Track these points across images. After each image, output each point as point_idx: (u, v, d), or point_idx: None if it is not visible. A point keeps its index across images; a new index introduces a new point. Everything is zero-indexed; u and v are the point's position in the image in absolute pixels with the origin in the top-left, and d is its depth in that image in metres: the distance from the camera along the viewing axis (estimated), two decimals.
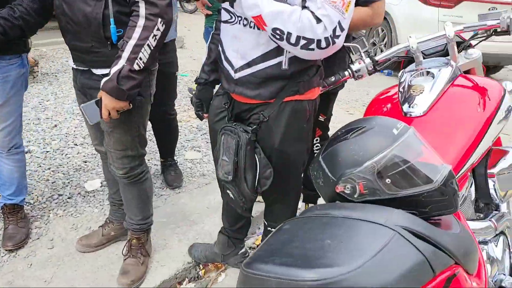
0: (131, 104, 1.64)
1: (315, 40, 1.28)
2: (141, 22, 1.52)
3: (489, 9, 5.43)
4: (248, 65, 1.46)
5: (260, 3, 1.27)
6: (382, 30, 6.28)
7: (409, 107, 1.56)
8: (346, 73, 1.81)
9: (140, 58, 1.53)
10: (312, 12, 1.27)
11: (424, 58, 1.80)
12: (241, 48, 1.46)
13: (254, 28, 1.41)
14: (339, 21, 1.28)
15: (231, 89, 1.55)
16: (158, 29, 1.54)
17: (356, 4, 1.69)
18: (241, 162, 1.51)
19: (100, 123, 1.75)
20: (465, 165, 1.40)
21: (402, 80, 1.72)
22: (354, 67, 1.81)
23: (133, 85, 1.56)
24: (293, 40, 1.28)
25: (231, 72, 1.52)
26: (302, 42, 1.28)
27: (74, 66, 1.75)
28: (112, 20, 1.55)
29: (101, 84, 1.55)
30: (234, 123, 1.58)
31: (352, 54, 1.87)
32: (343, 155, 1.09)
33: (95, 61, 1.66)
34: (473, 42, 1.90)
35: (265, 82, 1.46)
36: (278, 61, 1.43)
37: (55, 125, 3.47)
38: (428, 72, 1.68)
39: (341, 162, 1.09)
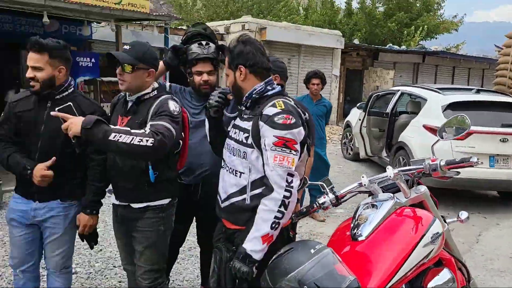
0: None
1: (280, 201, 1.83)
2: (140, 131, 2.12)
3: (500, 140, 5.78)
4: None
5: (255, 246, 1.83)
6: (403, 159, 6.75)
7: (355, 233, 2.03)
8: (315, 205, 2.33)
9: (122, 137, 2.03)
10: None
11: (384, 192, 2.28)
12: (224, 186, 2.07)
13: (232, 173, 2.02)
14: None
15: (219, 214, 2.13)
16: (147, 139, 2.05)
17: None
18: (222, 274, 1.99)
19: (132, 245, 2.33)
20: (393, 278, 1.80)
21: (356, 211, 2.21)
22: (320, 200, 2.32)
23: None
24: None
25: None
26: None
27: (116, 202, 2.41)
28: (150, 167, 2.23)
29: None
30: (223, 243, 2.11)
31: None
32: (278, 268, 1.57)
33: (134, 198, 2.31)
34: (422, 180, 2.38)
35: (236, 212, 2.01)
36: (243, 197, 1.99)
37: (101, 249, 4.09)
38: (373, 205, 2.17)
39: (277, 273, 1.56)
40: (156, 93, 2.32)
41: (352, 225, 2.11)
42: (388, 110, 7.49)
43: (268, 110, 1.91)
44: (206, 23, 13.43)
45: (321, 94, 5.29)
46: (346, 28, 20.15)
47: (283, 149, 1.86)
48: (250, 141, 1.96)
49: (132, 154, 2.05)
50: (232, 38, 2.11)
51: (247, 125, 2.00)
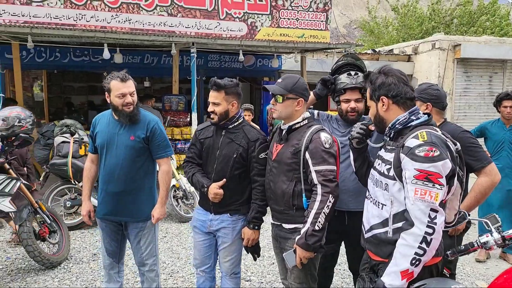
0: (315, 253, 2.39)
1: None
2: (318, 198, 2.35)
3: None
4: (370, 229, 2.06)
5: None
6: None
7: None
8: (475, 244, 2.12)
9: (319, 221, 2.32)
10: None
11: None
12: (367, 216, 2.09)
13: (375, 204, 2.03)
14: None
15: (363, 244, 2.14)
16: (329, 201, 2.33)
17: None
18: None
19: (286, 263, 2.55)
20: None
21: None
22: (482, 239, 2.10)
23: (316, 240, 2.34)
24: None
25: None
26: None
27: (272, 221, 2.68)
28: (304, 194, 2.44)
29: (296, 240, 2.38)
30: (367, 273, 2.12)
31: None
32: None
33: (284, 219, 2.55)
34: None
35: (379, 244, 2.00)
36: (385, 230, 1.97)
37: (273, 263, 4.47)
38: None
39: None
40: (306, 122, 2.51)
41: None
42: None
43: (410, 142, 1.87)
44: (393, 46, 13.00)
45: None
46: None
47: (425, 182, 1.79)
48: (392, 173, 1.94)
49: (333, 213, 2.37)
50: (375, 69, 2.14)
51: (390, 156, 1.99)
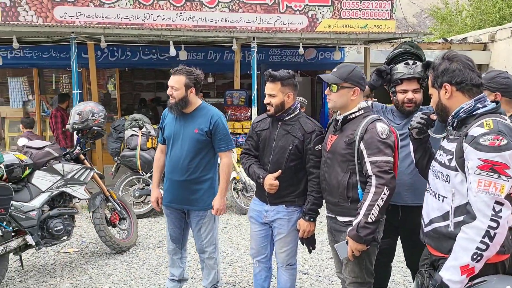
0: (368, 246, 2.35)
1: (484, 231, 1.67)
2: (372, 189, 2.30)
3: None
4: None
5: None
6: None
7: None
8: None
9: (372, 214, 2.28)
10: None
11: None
12: (427, 210, 2.01)
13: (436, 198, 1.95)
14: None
15: (422, 239, 2.06)
16: (384, 194, 2.27)
17: None
18: None
19: (338, 254, 2.53)
20: None
21: None
22: None
23: (368, 233, 2.29)
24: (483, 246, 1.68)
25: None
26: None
27: (327, 214, 2.66)
28: (359, 185, 2.40)
29: (347, 231, 2.35)
30: (426, 269, 2.04)
31: None
32: None
33: (339, 211, 2.52)
34: None
35: (439, 238, 1.91)
36: (446, 224, 1.88)
37: (331, 257, 4.42)
38: None
39: None
40: (362, 112, 2.45)
41: None
42: None
43: (474, 131, 1.77)
44: (467, 34, 12.20)
45: None
46: None
47: (489, 173, 1.68)
48: (453, 163, 1.85)
49: (387, 206, 2.31)
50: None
51: (452, 146, 1.89)
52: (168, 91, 3.07)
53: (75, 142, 4.49)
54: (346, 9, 7.83)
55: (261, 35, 6.97)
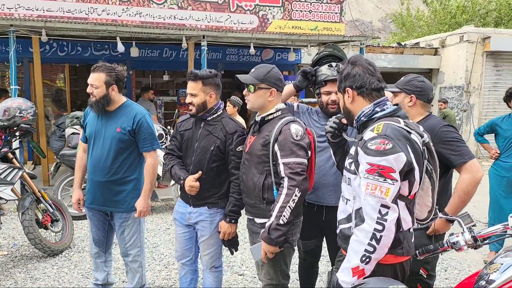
0: (281, 248, 2.32)
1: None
2: (284, 191, 2.28)
3: None
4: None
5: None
6: None
7: (480, 284, 1.66)
8: (445, 244, 2.00)
9: (284, 216, 2.26)
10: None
11: None
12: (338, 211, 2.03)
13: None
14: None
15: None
16: (295, 195, 2.26)
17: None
18: None
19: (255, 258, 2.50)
20: None
21: (493, 259, 1.79)
22: (452, 239, 1.97)
23: (279, 235, 2.27)
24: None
25: None
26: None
27: (246, 215, 2.63)
28: (274, 187, 2.38)
29: (260, 234, 2.33)
30: (336, 267, 2.04)
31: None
32: None
33: (256, 213, 2.49)
34: None
35: (345, 239, 1.92)
36: (349, 226, 1.88)
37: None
38: None
39: None
40: (280, 113, 2.44)
41: (480, 273, 1.73)
42: None
43: (366, 135, 1.79)
44: (420, 39, 12.56)
45: None
46: None
47: (376, 177, 1.70)
48: (353, 167, 1.85)
49: (299, 207, 2.33)
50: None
51: (353, 150, 1.90)
52: (88, 89, 2.95)
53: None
54: (297, 10, 7.88)
55: (212, 33, 6.90)
